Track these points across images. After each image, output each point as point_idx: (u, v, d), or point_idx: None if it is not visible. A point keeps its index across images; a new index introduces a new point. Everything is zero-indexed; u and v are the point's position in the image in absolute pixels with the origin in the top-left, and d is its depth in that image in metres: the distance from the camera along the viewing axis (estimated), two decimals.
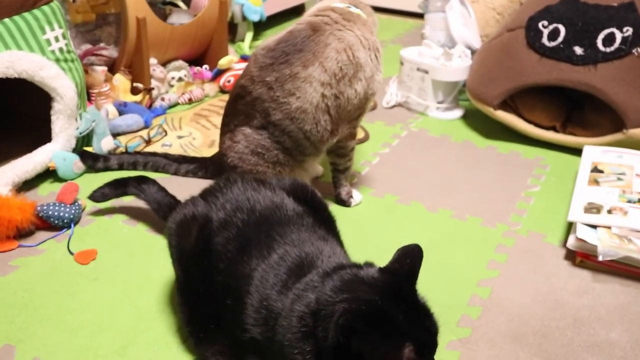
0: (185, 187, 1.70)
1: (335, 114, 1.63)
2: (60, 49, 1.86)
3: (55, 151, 1.87)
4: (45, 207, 1.65)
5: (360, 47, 1.63)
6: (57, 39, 1.85)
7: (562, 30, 2.04)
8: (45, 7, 1.82)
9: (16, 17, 1.75)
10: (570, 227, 1.67)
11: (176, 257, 1.25)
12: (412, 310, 0.98)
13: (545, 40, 2.06)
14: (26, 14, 1.78)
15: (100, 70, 2.27)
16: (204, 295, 1.17)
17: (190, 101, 2.44)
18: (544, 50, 2.06)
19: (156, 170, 1.94)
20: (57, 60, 1.84)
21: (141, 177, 1.66)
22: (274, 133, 1.64)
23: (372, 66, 1.66)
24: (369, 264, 1.08)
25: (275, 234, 1.17)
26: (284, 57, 1.60)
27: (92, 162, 1.93)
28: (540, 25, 2.08)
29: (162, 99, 2.38)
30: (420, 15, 3.67)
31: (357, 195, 1.83)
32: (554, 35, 2.05)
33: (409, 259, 1.04)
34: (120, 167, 1.94)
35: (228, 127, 1.74)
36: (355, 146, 1.82)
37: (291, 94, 1.59)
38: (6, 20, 1.73)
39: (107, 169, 1.94)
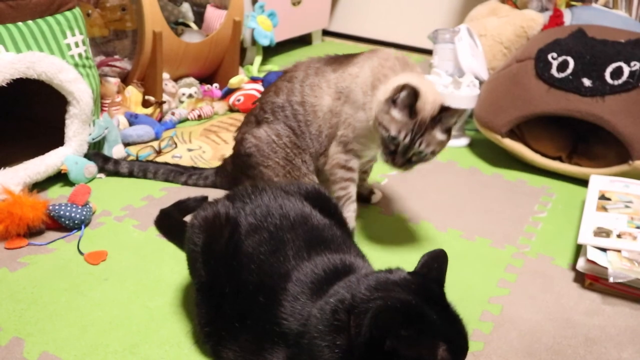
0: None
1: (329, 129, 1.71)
2: (80, 55, 1.89)
3: (68, 155, 1.87)
4: (57, 207, 1.65)
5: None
6: (77, 45, 1.88)
7: (571, 62, 2.09)
8: (68, 13, 1.86)
9: (40, 20, 1.78)
10: (579, 251, 1.68)
11: (201, 256, 1.22)
12: (444, 312, 0.98)
13: (554, 71, 2.11)
14: (49, 18, 1.80)
15: (114, 81, 2.29)
16: (230, 294, 1.16)
17: (199, 117, 2.46)
18: (552, 80, 2.10)
19: (166, 179, 1.95)
20: (76, 65, 1.86)
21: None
22: (288, 115, 1.72)
23: (363, 102, 1.63)
24: (398, 269, 1.09)
25: (311, 237, 1.19)
26: (331, 59, 1.75)
27: (103, 162, 1.94)
28: (549, 57, 2.13)
29: (173, 114, 2.40)
30: (426, 51, 3.76)
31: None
32: (562, 66, 2.10)
33: (436, 263, 1.06)
34: (130, 174, 1.95)
35: (253, 115, 1.81)
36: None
37: (314, 86, 1.71)
38: (30, 22, 1.76)
39: (116, 172, 1.95)
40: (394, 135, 1.49)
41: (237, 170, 1.83)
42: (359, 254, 1.27)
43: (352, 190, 1.72)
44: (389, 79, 1.59)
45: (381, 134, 1.52)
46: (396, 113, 1.50)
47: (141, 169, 1.94)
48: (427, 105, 1.49)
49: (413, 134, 1.48)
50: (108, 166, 1.94)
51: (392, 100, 1.50)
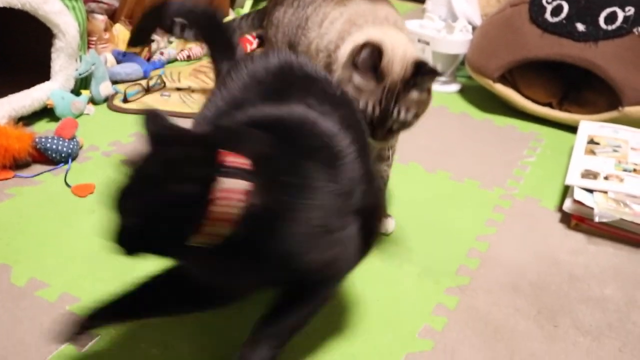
0: None
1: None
2: None
3: (54, 89, 1.84)
4: (43, 140, 1.63)
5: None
6: None
7: (566, 6, 2.07)
8: None
9: None
10: (565, 193, 1.69)
11: None
12: None
13: (548, 15, 2.09)
14: None
15: (101, 18, 2.24)
16: None
17: (188, 58, 2.43)
18: (546, 25, 2.08)
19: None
20: None
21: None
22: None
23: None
24: None
25: None
26: None
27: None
28: (544, 1, 2.11)
29: (161, 54, 2.37)
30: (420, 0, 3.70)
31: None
32: (557, 11, 2.08)
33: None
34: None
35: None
36: None
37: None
38: None
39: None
40: (361, 108, 1.23)
41: None
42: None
43: None
44: (351, 36, 1.32)
45: None
46: (359, 79, 1.23)
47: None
48: (396, 65, 1.22)
49: (384, 103, 1.22)
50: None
51: (353, 64, 1.24)
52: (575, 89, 2.26)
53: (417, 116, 1.28)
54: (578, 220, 1.59)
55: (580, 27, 2.03)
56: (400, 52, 1.24)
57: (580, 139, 1.87)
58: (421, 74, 1.22)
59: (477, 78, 2.26)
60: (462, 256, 1.46)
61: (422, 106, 1.27)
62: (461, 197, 1.71)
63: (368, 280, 1.33)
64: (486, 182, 1.79)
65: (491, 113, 2.26)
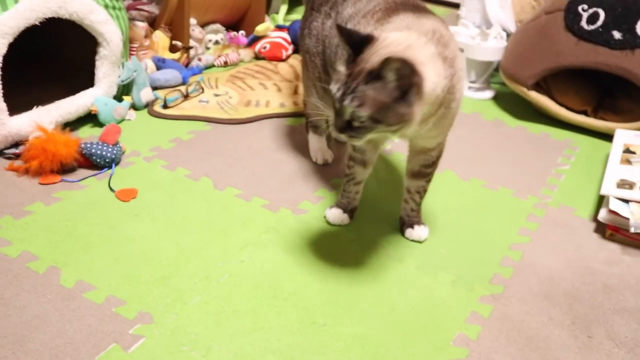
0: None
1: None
2: None
3: (98, 96, 1.90)
4: (88, 145, 1.68)
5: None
6: None
7: (602, 14, 2.06)
8: None
9: None
10: (600, 202, 1.69)
11: None
12: None
13: (584, 23, 2.08)
14: None
15: (142, 25, 2.30)
16: None
17: (225, 64, 2.47)
18: (582, 33, 2.08)
19: None
20: (106, 7, 1.87)
21: None
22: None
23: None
24: None
25: None
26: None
27: None
28: (579, 8, 2.11)
29: (199, 59, 2.42)
30: (452, 4, 3.71)
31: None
32: (593, 18, 2.07)
33: None
34: None
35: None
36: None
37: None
38: None
39: None
40: (330, 87, 1.17)
41: None
42: None
43: (355, 171, 1.51)
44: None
45: None
46: (339, 65, 1.19)
47: None
48: (375, 57, 1.13)
49: (344, 88, 1.13)
50: None
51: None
52: (611, 97, 2.25)
53: (375, 121, 1.13)
54: (613, 230, 1.59)
55: (617, 35, 2.03)
56: (391, 48, 1.13)
57: (615, 148, 1.87)
58: (386, 64, 1.08)
59: (511, 85, 2.26)
60: (496, 264, 1.47)
61: (379, 110, 1.12)
62: (495, 205, 1.73)
63: (403, 288, 1.36)
64: (520, 190, 1.80)
65: (525, 120, 2.26)
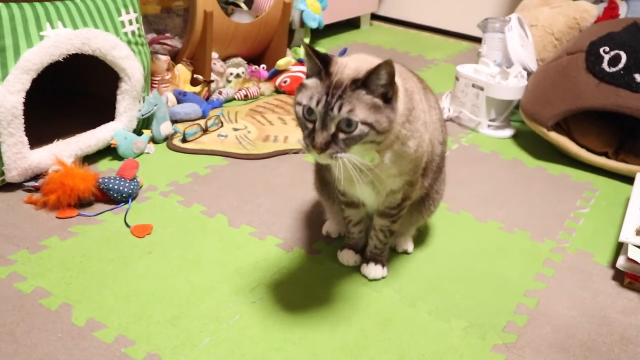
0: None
1: None
2: (133, 32, 1.93)
3: (118, 129, 1.93)
4: (106, 180, 1.70)
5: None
6: (130, 22, 1.92)
7: (624, 56, 2.05)
8: None
9: None
10: (619, 248, 1.67)
11: None
12: None
13: (605, 65, 2.07)
14: None
15: (164, 59, 2.34)
16: None
17: (246, 97, 2.50)
18: (603, 75, 2.07)
19: None
20: (129, 43, 1.91)
21: None
22: None
23: None
24: None
25: None
26: None
27: None
28: (601, 50, 2.10)
29: (220, 93, 2.44)
30: (474, 38, 3.72)
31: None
32: (614, 61, 2.06)
33: None
34: None
35: None
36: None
37: None
38: None
39: None
40: (305, 103, 1.16)
41: None
42: None
43: (348, 214, 1.53)
44: None
45: (296, 114, 1.20)
46: (308, 80, 1.19)
47: None
48: (347, 69, 1.16)
49: (328, 98, 1.13)
50: None
51: (306, 76, 1.21)
52: (632, 139, 2.23)
53: (368, 125, 1.14)
54: (632, 279, 1.56)
55: (639, 77, 2.01)
56: (355, 65, 1.18)
57: (636, 192, 1.84)
58: (379, 69, 1.11)
59: (531, 125, 2.25)
60: (510, 311, 1.45)
61: (374, 114, 1.14)
62: (511, 249, 1.70)
63: (414, 334, 1.34)
64: (537, 234, 1.78)
65: (545, 160, 2.24)
